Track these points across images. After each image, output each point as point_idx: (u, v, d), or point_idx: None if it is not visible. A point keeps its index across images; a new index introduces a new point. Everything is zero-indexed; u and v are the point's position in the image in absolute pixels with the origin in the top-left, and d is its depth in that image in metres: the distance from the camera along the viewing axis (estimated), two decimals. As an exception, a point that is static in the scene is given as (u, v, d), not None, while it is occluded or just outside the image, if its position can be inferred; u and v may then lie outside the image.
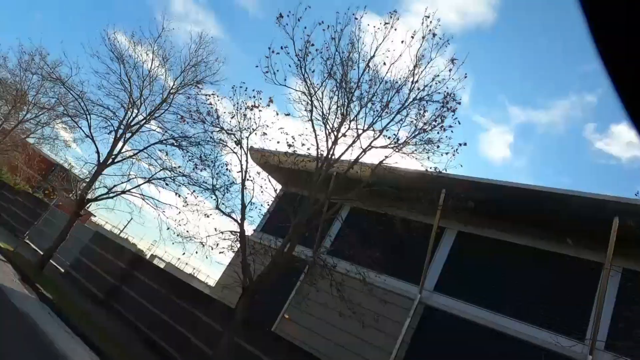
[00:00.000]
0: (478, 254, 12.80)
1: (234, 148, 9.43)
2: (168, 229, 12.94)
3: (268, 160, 13.30)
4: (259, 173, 12.40)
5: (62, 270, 16.48)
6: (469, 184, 11.59)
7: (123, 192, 14.96)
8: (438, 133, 7.80)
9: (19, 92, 28.23)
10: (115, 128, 15.61)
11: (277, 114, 10.56)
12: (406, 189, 9.96)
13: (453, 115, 7.66)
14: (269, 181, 13.91)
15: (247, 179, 10.00)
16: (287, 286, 14.39)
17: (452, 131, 7.61)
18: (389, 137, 8.57)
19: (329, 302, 11.60)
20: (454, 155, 7.79)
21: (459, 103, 7.49)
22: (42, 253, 18.36)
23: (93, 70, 15.38)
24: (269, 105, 10.57)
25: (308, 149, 10.14)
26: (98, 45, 27.99)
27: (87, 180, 16.00)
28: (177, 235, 12.15)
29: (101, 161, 15.32)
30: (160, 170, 14.83)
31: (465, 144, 7.83)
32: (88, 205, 14.75)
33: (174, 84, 15.53)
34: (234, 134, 9.87)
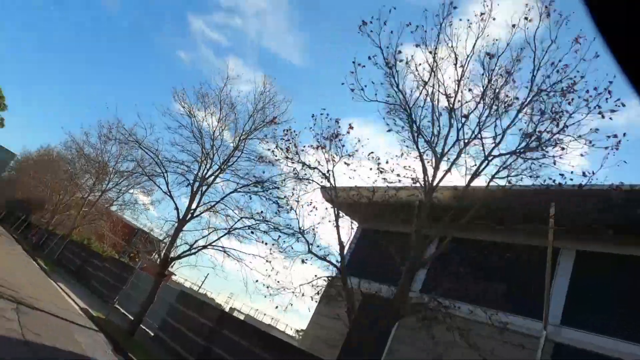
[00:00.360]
0: (604, 275, 10.71)
1: (321, 182, 8.41)
2: (256, 281, 11.93)
3: (343, 196, 12.16)
4: (327, 209, 11.17)
5: (152, 334, 16.05)
6: (587, 192, 9.56)
7: (204, 246, 14.45)
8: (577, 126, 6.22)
9: (100, 164, 30.14)
10: (191, 182, 15.43)
11: (359, 141, 9.52)
12: (509, 208, 8.37)
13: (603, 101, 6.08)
14: (345, 219, 12.79)
15: (337, 216, 8.89)
16: (381, 334, 12.94)
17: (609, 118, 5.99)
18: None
19: (429, 348, 9.93)
20: (615, 149, 6.10)
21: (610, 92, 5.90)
22: (131, 318, 18.26)
23: (166, 126, 15.45)
24: (348, 133, 9.59)
25: (398, 175, 8.91)
26: (168, 104, 29.43)
27: (167, 239, 15.78)
28: (267, 287, 11.19)
29: (180, 217, 15.05)
30: (239, 219, 14.22)
31: (616, 136, 6.14)
32: (172, 264, 14.35)
33: (243, 130, 15.20)
34: (317, 168, 8.88)
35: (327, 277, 8.77)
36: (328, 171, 8.77)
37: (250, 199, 14.88)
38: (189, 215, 15.11)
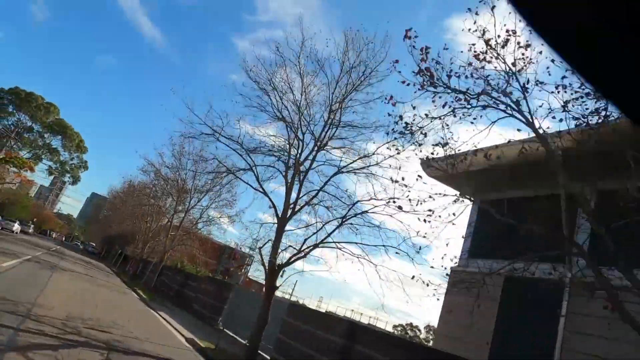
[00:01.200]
0: None
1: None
2: (414, 277, 8.79)
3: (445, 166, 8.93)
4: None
5: (269, 358, 13.49)
6: None
7: (315, 245, 11.54)
8: None
9: (179, 182, 29.13)
10: (284, 172, 12.67)
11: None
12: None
13: None
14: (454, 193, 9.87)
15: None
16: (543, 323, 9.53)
17: None
18: None
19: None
20: None
21: None
22: (241, 341, 15.99)
23: (245, 107, 12.77)
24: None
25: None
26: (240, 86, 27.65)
27: (256, 248, 13.08)
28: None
29: (279, 215, 12.32)
30: (354, 204, 11.12)
31: None
32: (281, 272, 11.61)
33: (334, 93, 12.10)
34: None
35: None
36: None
37: (358, 180, 11.77)
38: (289, 212, 12.34)
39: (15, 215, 52.58)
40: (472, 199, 13.69)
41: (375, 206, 11.11)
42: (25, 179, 38.70)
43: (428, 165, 11.26)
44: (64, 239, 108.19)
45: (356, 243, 11.03)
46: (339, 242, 11.13)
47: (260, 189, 12.55)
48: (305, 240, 11.52)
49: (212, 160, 15.44)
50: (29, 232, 52.37)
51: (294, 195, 12.25)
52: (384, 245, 10.74)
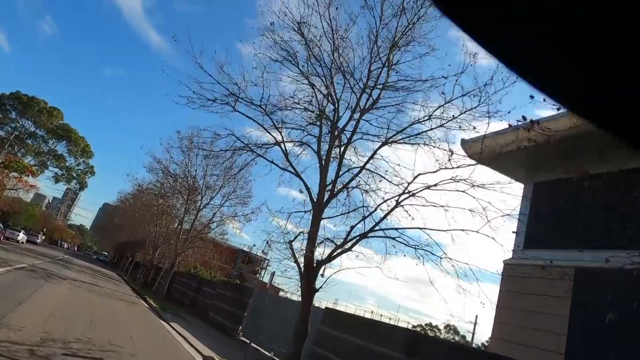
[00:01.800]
0: None
1: None
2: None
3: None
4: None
5: (306, 378, 10.90)
6: None
7: (364, 235, 8.94)
8: None
9: (190, 180, 26.80)
10: (317, 146, 10.09)
11: None
12: None
13: None
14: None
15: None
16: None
17: None
18: None
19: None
20: None
21: None
22: (268, 354, 13.48)
23: (269, 60, 10.13)
24: None
25: None
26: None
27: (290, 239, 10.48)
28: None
29: (315, 199, 9.75)
30: (415, 177, 8.50)
31: None
32: (322, 270, 9.03)
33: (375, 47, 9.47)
34: None
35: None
36: None
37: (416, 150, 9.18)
38: (326, 195, 9.76)
39: (21, 224, 50.90)
40: (523, 183, 11.57)
41: (442, 182, 8.52)
42: (27, 184, 36.73)
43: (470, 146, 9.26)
44: (76, 249, 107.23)
45: (421, 228, 8.41)
46: (397, 229, 8.53)
47: (292, 170, 10.00)
48: (352, 228, 8.91)
49: (223, 153, 12.83)
50: (37, 242, 50.53)
51: (328, 179, 9.67)
52: (459, 230, 8.11)
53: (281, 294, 36.83)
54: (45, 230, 78.80)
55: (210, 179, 27.42)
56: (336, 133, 9.75)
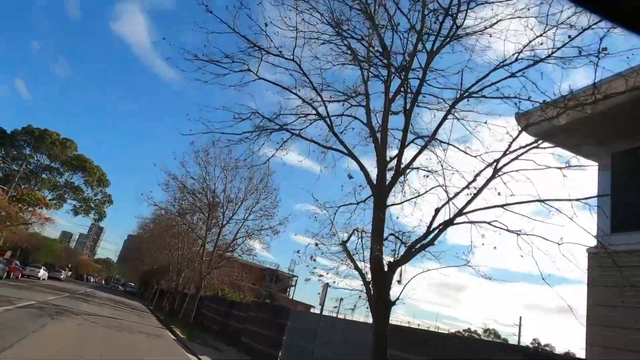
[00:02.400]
0: None
1: None
2: None
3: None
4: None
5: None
6: None
7: (449, 221, 6.42)
8: None
9: (209, 194, 24.66)
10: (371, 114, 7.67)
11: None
12: None
13: None
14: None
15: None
16: None
17: None
18: None
19: None
20: None
21: None
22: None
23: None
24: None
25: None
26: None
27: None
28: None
29: (374, 182, 7.29)
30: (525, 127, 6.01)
31: None
32: (397, 274, 6.52)
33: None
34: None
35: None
36: None
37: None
38: (388, 178, 7.31)
39: (42, 260, 49.60)
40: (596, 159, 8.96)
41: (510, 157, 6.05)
42: (42, 216, 35.24)
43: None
44: (103, 282, 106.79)
45: (541, 201, 5.86)
46: (505, 205, 6.00)
47: (341, 148, 7.60)
48: (438, 212, 6.41)
49: (247, 138, 10.57)
50: (61, 278, 49.08)
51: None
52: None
53: (312, 310, 34.19)
54: (70, 265, 77.91)
55: (231, 191, 25.29)
56: (404, 67, 7.25)
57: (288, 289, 66.09)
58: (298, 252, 7.59)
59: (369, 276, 6.88)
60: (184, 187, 24.80)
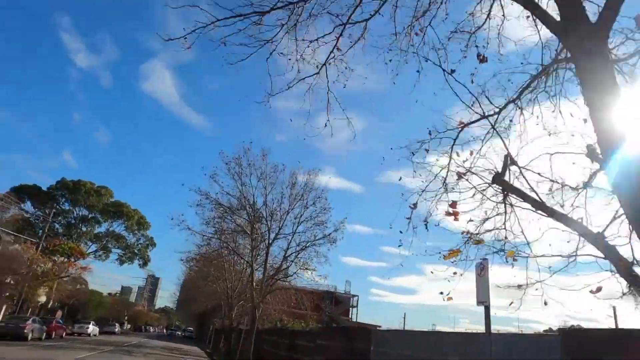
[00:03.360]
0: None
1: None
2: None
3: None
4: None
5: None
6: None
7: None
8: None
9: (248, 208, 21.06)
10: None
11: None
12: None
13: None
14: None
15: None
16: None
17: None
18: None
19: None
20: None
21: None
22: None
23: None
24: None
25: None
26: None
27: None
28: None
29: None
30: None
31: None
32: None
33: None
34: None
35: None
36: None
37: None
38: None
39: (92, 315, 47.68)
40: None
41: None
42: (78, 266, 32.83)
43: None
44: (164, 330, 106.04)
45: None
46: None
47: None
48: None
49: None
50: (115, 331, 46.90)
51: None
52: None
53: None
54: (126, 317, 76.74)
55: (273, 202, 21.62)
56: None
57: (350, 310, 61.28)
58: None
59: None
60: (218, 205, 21.33)
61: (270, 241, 21.90)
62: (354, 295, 61.05)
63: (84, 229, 48.24)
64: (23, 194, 44.78)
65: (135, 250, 51.48)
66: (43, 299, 40.59)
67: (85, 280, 41.04)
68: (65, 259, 31.64)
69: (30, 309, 32.92)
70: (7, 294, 27.54)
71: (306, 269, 20.31)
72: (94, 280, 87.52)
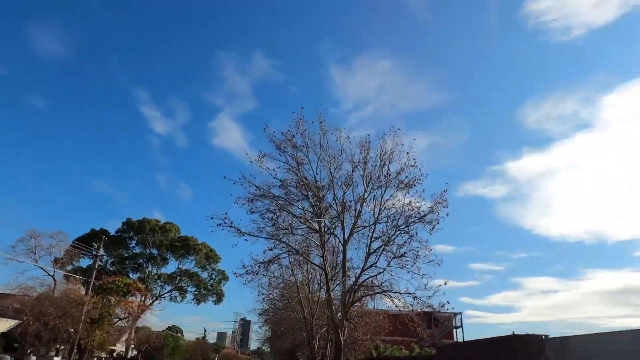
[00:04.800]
0: None
1: None
2: None
3: None
4: None
5: None
6: None
7: None
8: None
9: (313, 189, 15.59)
10: None
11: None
12: None
13: None
14: None
15: None
16: None
17: None
18: None
19: None
20: None
21: None
22: None
23: None
24: None
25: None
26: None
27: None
28: None
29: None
30: None
31: None
32: None
33: None
34: None
35: None
36: None
37: None
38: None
39: (170, 361, 44.57)
40: None
41: None
42: (134, 305, 29.26)
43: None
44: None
45: None
46: None
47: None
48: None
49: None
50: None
51: None
52: None
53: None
54: (215, 361, 73.64)
55: (339, 187, 16.27)
56: None
57: (454, 332, 52.60)
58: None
59: None
60: (270, 195, 16.30)
61: (347, 238, 16.38)
62: (456, 314, 52.43)
63: (154, 270, 46.04)
64: (92, 241, 43.83)
65: (209, 286, 48.22)
66: (120, 347, 37.98)
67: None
68: (123, 296, 28.35)
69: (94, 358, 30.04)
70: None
71: (401, 256, 14.34)
72: (187, 328, 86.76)
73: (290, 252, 16.37)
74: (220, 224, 15.26)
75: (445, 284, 14.16)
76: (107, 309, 25.48)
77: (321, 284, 23.66)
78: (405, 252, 14.10)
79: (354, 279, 15.83)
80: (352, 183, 15.98)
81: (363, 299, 18.24)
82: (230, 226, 15.13)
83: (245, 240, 16.46)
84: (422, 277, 13.79)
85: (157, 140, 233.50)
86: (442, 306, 14.72)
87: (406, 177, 15.71)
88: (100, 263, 30.41)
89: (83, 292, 25.58)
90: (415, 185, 15.36)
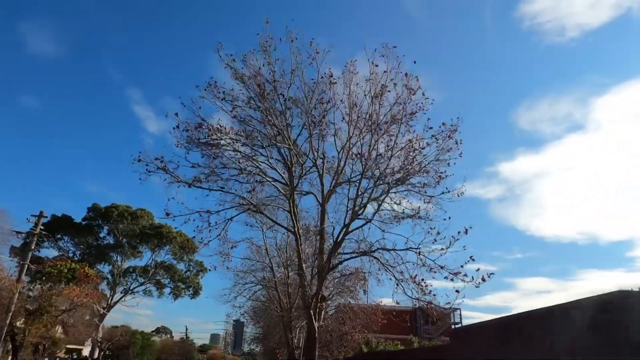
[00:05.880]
0: None
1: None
2: None
3: None
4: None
5: None
6: None
7: None
8: None
9: (278, 116, 11.60)
10: None
11: None
12: None
13: None
14: None
15: None
16: None
17: None
18: None
19: None
20: None
21: None
22: None
23: None
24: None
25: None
26: None
27: None
28: None
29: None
30: None
31: None
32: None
33: None
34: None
35: None
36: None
37: None
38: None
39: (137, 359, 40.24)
40: None
41: None
42: (83, 293, 24.57)
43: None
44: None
45: None
46: None
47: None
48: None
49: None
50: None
51: None
52: None
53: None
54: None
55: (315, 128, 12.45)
56: None
57: (452, 328, 48.71)
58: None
59: None
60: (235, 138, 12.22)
61: (331, 187, 12.40)
62: (455, 309, 48.58)
63: (124, 262, 41.81)
64: (55, 229, 39.52)
65: (186, 279, 44.08)
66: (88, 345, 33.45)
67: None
68: (66, 286, 23.81)
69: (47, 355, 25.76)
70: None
71: (397, 204, 10.46)
72: (183, 331, 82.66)
73: (247, 208, 12.22)
74: (150, 170, 11.21)
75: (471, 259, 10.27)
76: (48, 299, 21.33)
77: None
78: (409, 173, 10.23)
79: (332, 242, 11.83)
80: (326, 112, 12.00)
81: (346, 278, 14.35)
82: (164, 170, 11.08)
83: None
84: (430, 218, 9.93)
85: (151, 140, 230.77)
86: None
87: (403, 108, 11.79)
88: (44, 245, 26.02)
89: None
90: (415, 115, 11.44)
